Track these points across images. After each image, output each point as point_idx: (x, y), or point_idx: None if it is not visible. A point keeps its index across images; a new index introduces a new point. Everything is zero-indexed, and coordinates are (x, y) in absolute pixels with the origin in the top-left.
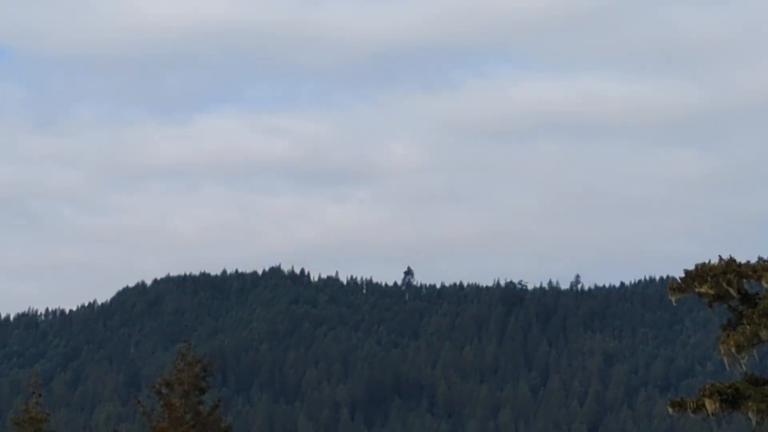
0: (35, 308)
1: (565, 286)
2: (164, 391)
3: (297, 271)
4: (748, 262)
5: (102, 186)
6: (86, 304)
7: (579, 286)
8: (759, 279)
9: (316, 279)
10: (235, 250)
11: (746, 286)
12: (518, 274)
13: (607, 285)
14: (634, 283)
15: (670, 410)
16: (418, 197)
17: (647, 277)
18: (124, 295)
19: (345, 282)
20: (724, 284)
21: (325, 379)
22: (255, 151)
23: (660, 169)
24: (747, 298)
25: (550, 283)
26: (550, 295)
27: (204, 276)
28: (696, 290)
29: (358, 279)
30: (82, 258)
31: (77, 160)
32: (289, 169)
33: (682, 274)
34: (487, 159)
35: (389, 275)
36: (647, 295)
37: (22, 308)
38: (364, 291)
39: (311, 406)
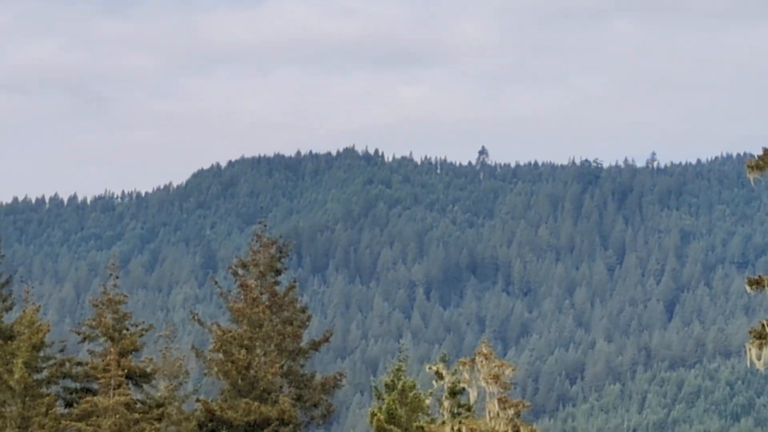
0: (111, 191)
1: (640, 163)
2: (240, 272)
3: (371, 151)
4: None
5: (174, 70)
6: (162, 187)
7: (655, 163)
8: None
9: (390, 159)
10: (308, 132)
11: None
12: (593, 152)
13: (683, 162)
14: (711, 160)
15: (748, 289)
16: (491, 77)
17: (724, 154)
18: (199, 177)
19: (419, 162)
20: None
21: (400, 259)
22: (327, 33)
23: (739, 48)
24: None
25: (625, 161)
26: (625, 172)
27: (278, 157)
28: None
29: (432, 159)
30: (156, 141)
31: (149, 45)
32: (362, 51)
33: (761, 152)
34: (559, 38)
35: (463, 155)
36: (724, 172)
37: (98, 191)
38: (438, 171)
39: (386, 286)
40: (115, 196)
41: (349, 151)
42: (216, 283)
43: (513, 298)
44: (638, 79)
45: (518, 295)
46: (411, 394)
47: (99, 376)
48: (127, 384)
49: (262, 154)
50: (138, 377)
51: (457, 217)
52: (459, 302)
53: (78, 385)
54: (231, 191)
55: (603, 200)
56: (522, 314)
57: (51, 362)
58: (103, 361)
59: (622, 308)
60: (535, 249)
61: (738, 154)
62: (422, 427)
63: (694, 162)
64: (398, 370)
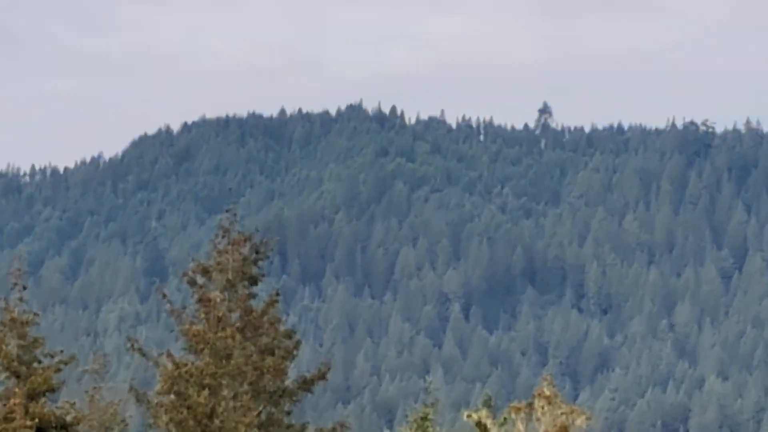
0: (17, 165)
1: None
2: (200, 280)
3: (385, 109)
4: None
5: None
6: (88, 160)
7: None
8: None
9: (413, 121)
10: (297, 82)
11: None
12: (702, 111)
13: None
14: None
15: None
16: (553, 3)
17: None
18: (142, 146)
19: (454, 125)
20: None
21: (428, 262)
22: None
23: None
24: None
25: (747, 123)
26: (748, 140)
27: (254, 118)
28: None
29: (473, 120)
30: (81, 94)
31: None
32: None
33: None
34: None
35: (517, 115)
36: None
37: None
38: (482, 137)
39: (408, 301)
40: (21, 173)
41: (355, 109)
42: (165, 296)
43: (587, 317)
44: (758, 4)
45: (595, 312)
46: None
47: None
48: None
49: (231, 114)
50: (54, 429)
51: (508, 202)
52: (510, 323)
53: None
54: (186, 167)
55: (716, 179)
56: (600, 340)
57: None
58: (4, 406)
59: (742, 331)
60: (619, 248)
61: None
62: None
63: None
64: (424, 419)
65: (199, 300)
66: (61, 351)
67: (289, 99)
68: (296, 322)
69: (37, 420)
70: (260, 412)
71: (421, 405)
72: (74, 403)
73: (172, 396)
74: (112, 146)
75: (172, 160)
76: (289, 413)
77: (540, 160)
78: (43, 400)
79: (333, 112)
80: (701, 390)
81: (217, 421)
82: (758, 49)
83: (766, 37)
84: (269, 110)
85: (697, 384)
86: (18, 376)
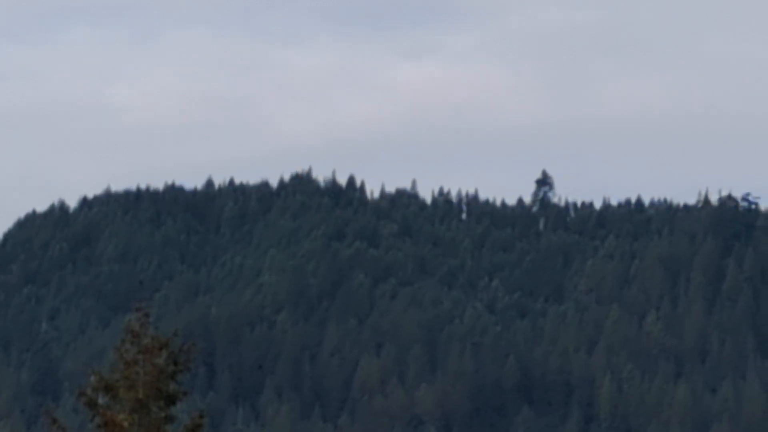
0: None
1: None
2: (102, 400)
3: (341, 180)
4: None
5: None
6: None
7: None
8: None
9: (377, 195)
10: (228, 146)
11: None
12: (742, 183)
13: None
14: None
15: None
16: (556, 46)
17: None
18: (29, 227)
19: (428, 200)
20: None
21: (396, 375)
22: None
23: None
24: None
25: None
26: None
27: (173, 192)
28: None
29: (452, 194)
30: None
31: None
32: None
33: None
34: None
35: (509, 188)
36: None
37: None
38: (464, 216)
39: (370, 424)
40: None
41: (302, 180)
42: (56, 421)
43: None
44: None
45: None
46: None
47: None
48: None
49: (143, 186)
50: None
51: (498, 298)
52: None
53: None
54: (86, 253)
55: (761, 269)
56: None
57: None
58: None
59: None
60: (638, 356)
61: None
62: None
63: None
64: None
65: (102, 425)
66: None
67: (217, 167)
68: None
69: None
70: None
71: None
72: None
73: None
74: None
75: (67, 245)
76: None
77: (538, 245)
78: None
79: (274, 183)
80: None
81: None
82: None
83: None
84: (192, 181)
85: None
86: None
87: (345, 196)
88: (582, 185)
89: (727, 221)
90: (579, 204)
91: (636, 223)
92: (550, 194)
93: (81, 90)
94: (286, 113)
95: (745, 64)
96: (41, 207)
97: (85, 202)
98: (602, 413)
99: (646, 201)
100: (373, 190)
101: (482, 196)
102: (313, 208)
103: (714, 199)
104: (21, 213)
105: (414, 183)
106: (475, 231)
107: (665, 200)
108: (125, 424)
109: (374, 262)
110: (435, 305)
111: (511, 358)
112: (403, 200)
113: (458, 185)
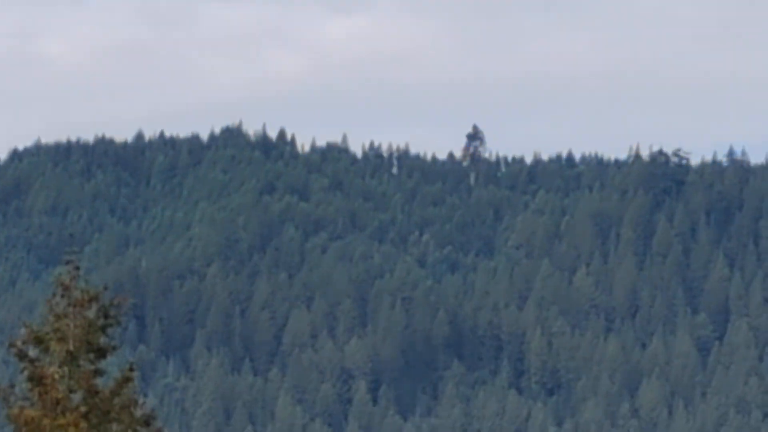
0: None
1: (758, 158)
2: (32, 353)
3: (271, 133)
4: None
5: None
6: None
7: None
8: None
9: (307, 148)
10: (158, 98)
11: None
12: (673, 139)
13: None
14: None
15: None
16: (489, 4)
17: None
18: None
19: (359, 154)
20: None
21: (326, 329)
22: None
23: None
24: None
25: (730, 153)
26: (730, 174)
27: (103, 144)
28: None
29: (383, 148)
30: None
31: None
32: None
33: None
34: None
35: (439, 142)
36: None
37: None
38: (395, 170)
39: (300, 378)
40: None
41: (233, 133)
42: None
43: (529, 399)
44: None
45: (538, 393)
46: None
47: None
48: None
49: (73, 139)
50: None
51: (428, 253)
52: (431, 407)
53: None
54: (16, 206)
55: (691, 225)
56: (545, 428)
57: None
58: None
59: (723, 418)
60: (569, 311)
61: None
62: None
63: None
64: None
65: (32, 377)
66: None
67: (147, 120)
68: (157, 405)
69: None
70: None
71: None
72: None
73: None
74: None
75: None
76: None
77: (468, 199)
78: None
79: (204, 136)
80: None
81: None
82: (744, 65)
83: (753, 52)
84: (122, 134)
85: None
86: None
87: (275, 149)
88: (513, 140)
89: (658, 177)
90: (510, 159)
91: (566, 178)
92: (480, 149)
93: (8, 42)
94: (216, 66)
95: (675, 20)
96: None
97: (15, 155)
98: (532, 368)
99: (577, 156)
100: (303, 144)
101: (413, 151)
102: (244, 161)
103: (645, 154)
104: None
105: (345, 137)
106: (406, 185)
107: (596, 155)
108: (55, 377)
109: (305, 216)
110: (365, 260)
111: (442, 313)
112: (334, 154)
113: (389, 139)
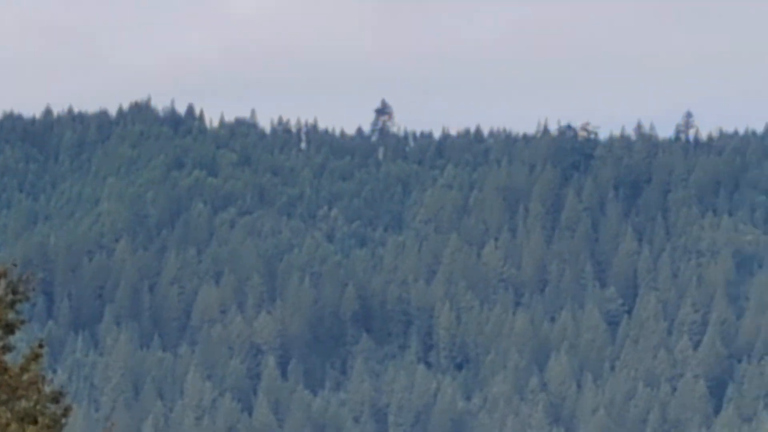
0: None
1: (666, 132)
2: None
3: (180, 108)
4: None
5: None
6: None
7: (691, 132)
8: None
9: (216, 124)
10: (65, 74)
11: None
12: (581, 113)
13: (741, 130)
14: None
15: None
16: None
17: None
18: None
19: (268, 129)
20: None
21: (235, 304)
22: None
23: None
24: None
25: (638, 127)
26: (639, 149)
27: (10, 120)
28: None
29: (292, 123)
30: None
31: None
32: None
33: None
34: None
35: (348, 117)
36: None
37: None
38: (303, 145)
39: (209, 353)
40: None
41: (141, 109)
42: None
43: (437, 373)
44: None
45: (447, 368)
46: None
47: None
48: None
49: None
50: None
51: (336, 228)
52: (340, 382)
53: None
54: None
55: (599, 197)
56: (454, 402)
57: None
58: None
59: (631, 391)
60: (478, 285)
61: None
62: None
63: (761, 129)
64: None
65: None
66: None
67: (55, 95)
68: (66, 381)
69: None
70: None
71: None
72: None
73: None
74: None
75: None
76: None
77: (377, 174)
78: None
79: (112, 112)
80: None
81: None
82: (651, 40)
83: (661, 27)
84: (30, 110)
85: None
86: None
87: (184, 125)
88: (421, 115)
89: (566, 151)
90: (418, 134)
91: (475, 152)
92: (389, 124)
93: None
94: (124, 42)
95: None
96: None
97: None
98: (441, 342)
99: (486, 131)
100: (212, 119)
101: (321, 126)
102: (152, 137)
103: (553, 129)
104: None
105: (253, 112)
106: (315, 160)
107: (504, 130)
108: None
109: (213, 191)
110: (274, 235)
111: (350, 288)
112: (242, 129)
113: (297, 115)
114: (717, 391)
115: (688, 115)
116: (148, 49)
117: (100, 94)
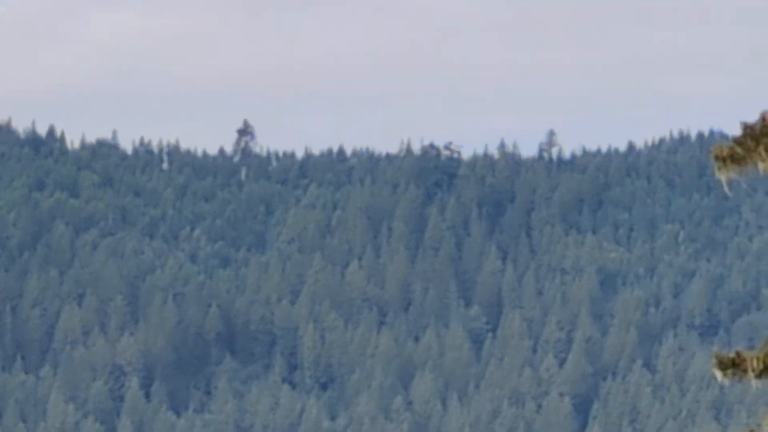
0: None
1: (529, 151)
2: None
3: (41, 130)
4: None
5: None
6: None
7: (555, 150)
8: None
9: (77, 145)
10: None
11: None
12: (444, 132)
13: (604, 149)
14: (652, 146)
15: (718, 375)
16: None
17: (675, 134)
18: None
19: (129, 150)
20: None
21: (97, 325)
22: None
23: None
24: None
25: (501, 146)
26: (502, 167)
27: None
28: (761, 159)
29: (153, 144)
30: None
31: None
32: None
33: (738, 132)
34: None
35: (210, 137)
36: (675, 165)
37: None
38: (165, 166)
39: (71, 375)
40: None
41: (2, 130)
42: None
43: (302, 393)
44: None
45: (311, 388)
46: None
47: None
48: None
49: None
50: None
51: (199, 248)
52: (204, 402)
53: None
54: None
55: (463, 216)
56: (319, 422)
57: None
58: None
59: (498, 410)
60: (342, 305)
61: (700, 134)
62: None
63: (623, 147)
64: None
65: None
66: None
67: None
68: None
69: None
70: None
71: None
72: None
73: None
74: None
75: None
76: None
77: (240, 194)
78: None
79: None
80: None
81: None
82: (512, 58)
83: (521, 44)
84: None
85: None
86: None
87: (45, 146)
88: (284, 135)
89: (430, 170)
90: (281, 153)
91: (338, 172)
92: (251, 144)
93: None
94: None
95: (444, 12)
96: None
97: None
98: (306, 362)
99: (348, 150)
100: (73, 141)
101: (183, 146)
102: (14, 158)
103: (416, 148)
104: None
105: (115, 133)
106: (177, 181)
107: (367, 149)
108: None
109: (75, 212)
110: (136, 256)
111: (214, 308)
112: (104, 150)
113: (159, 136)
114: (582, 409)
115: (551, 133)
116: (8, 71)
117: None
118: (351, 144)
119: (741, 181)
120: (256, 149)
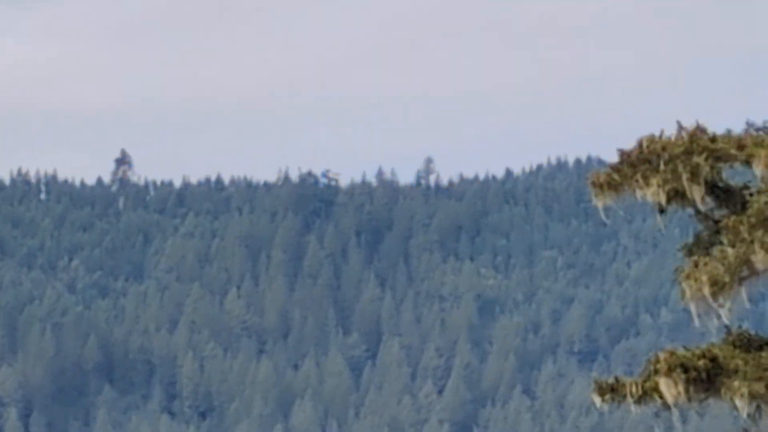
0: None
1: (407, 178)
2: None
3: None
4: (729, 132)
5: None
6: None
7: (432, 177)
8: (748, 161)
9: None
10: None
11: (725, 176)
12: (322, 160)
13: (481, 175)
14: (530, 172)
15: (597, 400)
16: (129, 27)
17: (552, 160)
18: None
19: (7, 180)
20: (687, 173)
21: None
22: None
23: None
24: (728, 197)
25: (379, 173)
26: (380, 195)
27: None
28: (638, 186)
29: (31, 174)
30: None
31: None
32: None
33: (615, 158)
34: None
35: (88, 167)
36: (552, 192)
37: None
38: (43, 196)
39: None
40: None
41: None
42: None
43: (181, 422)
44: (408, 26)
45: (191, 417)
46: None
47: None
48: None
49: None
50: None
51: (77, 279)
52: (83, 430)
53: None
54: None
55: (341, 244)
56: None
57: None
58: None
59: None
60: (220, 334)
61: (578, 160)
62: None
63: (500, 174)
64: None
65: None
66: None
67: None
68: None
69: None
70: None
71: None
72: None
73: None
74: None
75: None
76: None
77: (118, 224)
78: None
79: None
80: None
81: None
82: (389, 85)
83: (398, 72)
84: None
85: None
86: None
87: None
88: (161, 164)
89: (308, 198)
90: (159, 183)
91: (216, 201)
92: (129, 173)
93: None
94: None
95: (321, 42)
96: None
97: None
98: (185, 391)
99: (226, 179)
100: None
101: (61, 176)
102: None
103: (294, 176)
104: None
105: None
106: (55, 211)
107: (245, 178)
108: None
109: None
110: (15, 286)
111: (92, 338)
112: None
113: (36, 166)
114: None
115: (429, 160)
116: None
117: None
118: (229, 173)
119: (618, 207)
120: (134, 178)
